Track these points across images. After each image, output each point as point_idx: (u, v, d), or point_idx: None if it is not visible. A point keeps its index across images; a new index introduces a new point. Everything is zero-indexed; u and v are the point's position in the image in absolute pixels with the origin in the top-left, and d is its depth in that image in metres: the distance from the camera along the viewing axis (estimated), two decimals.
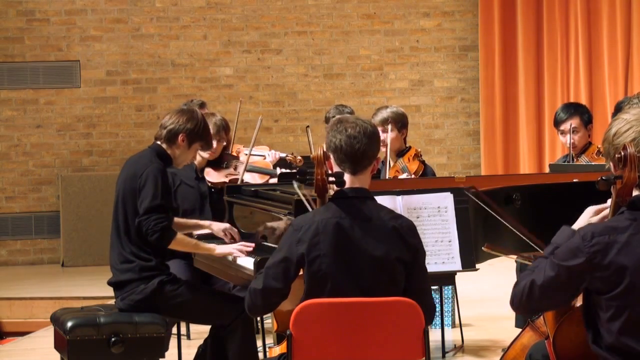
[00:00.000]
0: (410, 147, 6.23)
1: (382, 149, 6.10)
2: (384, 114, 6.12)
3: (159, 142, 4.89)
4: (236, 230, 5.03)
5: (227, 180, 6.09)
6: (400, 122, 6.15)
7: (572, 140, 6.25)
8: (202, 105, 7.21)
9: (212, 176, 6.10)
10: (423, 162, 6.17)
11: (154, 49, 10.36)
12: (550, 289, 3.09)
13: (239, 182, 5.88)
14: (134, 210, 4.71)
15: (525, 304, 3.17)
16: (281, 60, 10.50)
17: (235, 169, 6.15)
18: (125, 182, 4.79)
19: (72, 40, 10.27)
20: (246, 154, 6.23)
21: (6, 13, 10.19)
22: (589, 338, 3.12)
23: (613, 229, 3.03)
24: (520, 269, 5.97)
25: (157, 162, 4.78)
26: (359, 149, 3.59)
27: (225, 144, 6.27)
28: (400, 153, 6.18)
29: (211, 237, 5.09)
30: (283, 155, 6.75)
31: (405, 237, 3.57)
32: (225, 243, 4.94)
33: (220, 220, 5.24)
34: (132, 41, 10.33)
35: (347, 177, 3.62)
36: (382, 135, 6.08)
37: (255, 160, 6.43)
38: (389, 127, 6.04)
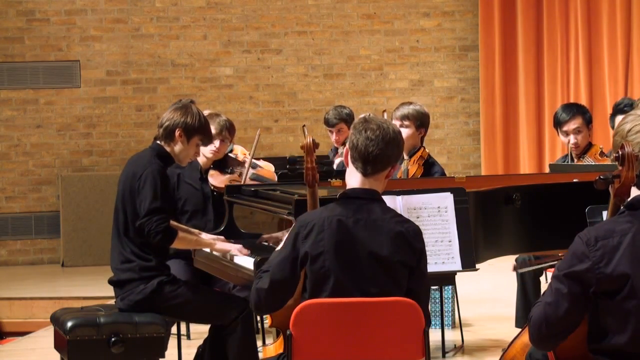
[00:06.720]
0: (421, 147, 6.10)
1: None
2: (404, 110, 6.03)
3: (158, 142, 4.90)
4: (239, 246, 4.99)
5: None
6: (419, 120, 6.04)
7: (575, 141, 6.22)
8: (191, 103, 7.19)
9: (216, 179, 6.09)
10: (430, 163, 6.05)
11: (154, 49, 10.35)
12: (567, 304, 2.96)
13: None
14: (133, 210, 4.72)
15: (546, 330, 3.01)
16: (281, 60, 10.50)
17: (240, 175, 6.15)
18: (125, 182, 4.80)
19: (72, 40, 10.27)
20: (249, 160, 6.22)
21: (6, 13, 10.19)
22: (588, 343, 3.09)
23: (615, 231, 2.96)
24: (520, 267, 5.97)
25: (157, 162, 4.78)
26: (372, 152, 3.57)
27: (229, 144, 6.28)
28: (411, 152, 6.10)
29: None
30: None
31: (411, 241, 3.56)
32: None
33: (221, 222, 5.27)
34: (132, 41, 10.33)
35: (358, 177, 3.62)
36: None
37: (260, 170, 6.42)
38: (407, 123, 6.00)
